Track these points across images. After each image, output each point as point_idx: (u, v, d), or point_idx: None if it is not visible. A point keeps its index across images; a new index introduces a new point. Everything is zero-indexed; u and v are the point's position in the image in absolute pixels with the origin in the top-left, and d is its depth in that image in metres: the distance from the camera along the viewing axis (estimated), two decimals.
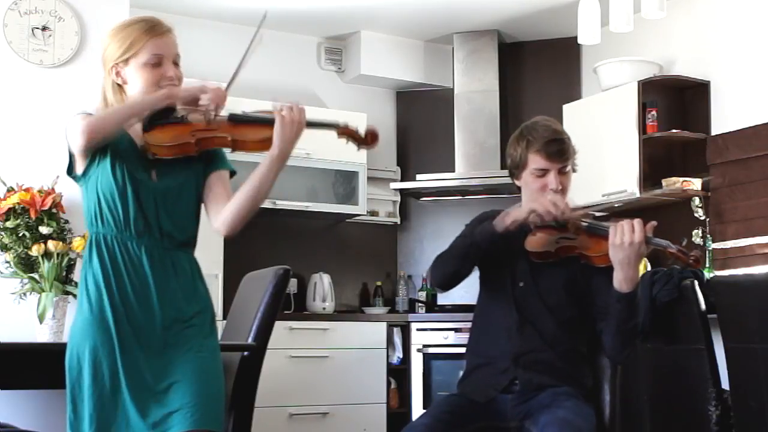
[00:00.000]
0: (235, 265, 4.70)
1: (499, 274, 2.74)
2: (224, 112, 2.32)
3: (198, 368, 2.23)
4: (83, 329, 2.23)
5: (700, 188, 4.89)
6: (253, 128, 2.32)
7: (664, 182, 4.92)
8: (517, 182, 2.79)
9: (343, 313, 5.78)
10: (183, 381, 2.19)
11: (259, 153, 2.34)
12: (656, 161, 5.02)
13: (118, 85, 2.35)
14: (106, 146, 2.25)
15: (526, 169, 2.72)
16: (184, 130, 2.30)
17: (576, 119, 5.42)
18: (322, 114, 2.40)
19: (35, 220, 3.37)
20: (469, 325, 2.86)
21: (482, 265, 2.74)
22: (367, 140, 2.37)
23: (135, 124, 2.31)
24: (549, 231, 2.63)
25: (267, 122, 2.29)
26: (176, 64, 2.36)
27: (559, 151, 2.68)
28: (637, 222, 2.47)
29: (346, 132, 2.36)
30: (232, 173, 2.44)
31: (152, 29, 2.31)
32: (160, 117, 2.30)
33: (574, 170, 2.77)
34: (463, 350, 2.87)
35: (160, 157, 2.29)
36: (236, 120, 2.33)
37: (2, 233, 3.37)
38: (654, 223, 2.50)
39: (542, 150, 2.67)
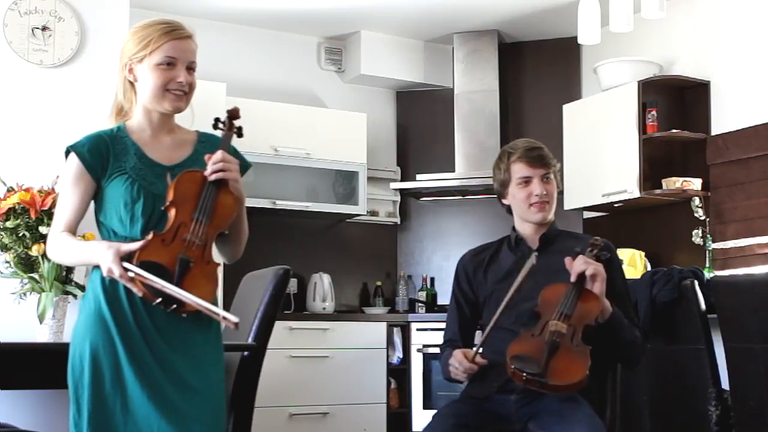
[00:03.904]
0: (235, 265, 4.63)
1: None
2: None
3: (215, 380, 2.28)
4: (84, 328, 2.25)
5: (700, 188, 4.90)
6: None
7: (664, 182, 4.92)
8: (504, 201, 2.87)
9: (343, 313, 5.77)
10: (201, 392, 2.23)
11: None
12: (656, 161, 5.02)
13: (130, 83, 2.36)
14: (110, 170, 2.29)
15: (511, 181, 2.81)
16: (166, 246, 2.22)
17: (576, 119, 5.43)
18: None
19: (35, 220, 3.36)
20: None
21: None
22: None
23: (145, 132, 2.36)
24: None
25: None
26: (191, 70, 2.35)
27: (539, 156, 2.78)
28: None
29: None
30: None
31: (172, 32, 2.31)
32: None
33: (558, 185, 2.83)
34: None
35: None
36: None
37: (2, 233, 3.36)
38: None
39: (523, 157, 2.78)
